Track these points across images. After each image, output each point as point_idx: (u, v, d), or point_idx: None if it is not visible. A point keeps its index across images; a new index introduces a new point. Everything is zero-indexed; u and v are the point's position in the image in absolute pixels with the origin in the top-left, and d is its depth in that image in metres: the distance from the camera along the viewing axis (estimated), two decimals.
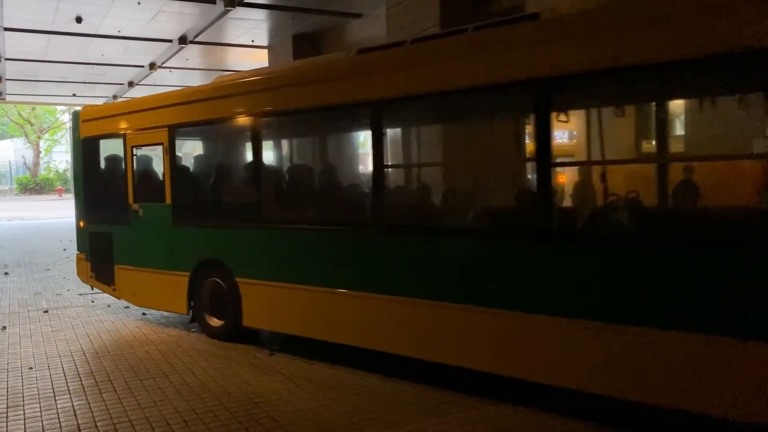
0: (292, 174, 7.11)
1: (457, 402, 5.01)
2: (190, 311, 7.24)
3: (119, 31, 14.89)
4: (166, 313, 8.41)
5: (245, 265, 6.56)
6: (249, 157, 6.75)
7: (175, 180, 7.20)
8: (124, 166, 7.81)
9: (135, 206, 7.66)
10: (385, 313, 5.43)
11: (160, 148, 7.40)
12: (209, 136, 7.94)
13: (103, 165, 8.41)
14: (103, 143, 8.35)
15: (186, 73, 19.82)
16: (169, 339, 7.22)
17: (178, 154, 7.43)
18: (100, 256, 8.24)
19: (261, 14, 13.92)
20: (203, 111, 6.88)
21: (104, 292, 8.63)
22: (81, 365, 6.32)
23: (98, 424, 4.78)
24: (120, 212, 7.81)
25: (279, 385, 5.52)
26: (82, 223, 8.53)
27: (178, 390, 5.45)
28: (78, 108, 9.01)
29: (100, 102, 27.30)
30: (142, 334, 7.51)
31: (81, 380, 5.83)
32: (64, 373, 6.07)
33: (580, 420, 4.58)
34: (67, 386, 5.67)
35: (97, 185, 8.40)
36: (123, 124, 7.83)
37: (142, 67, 19.06)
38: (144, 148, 7.79)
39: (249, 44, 16.30)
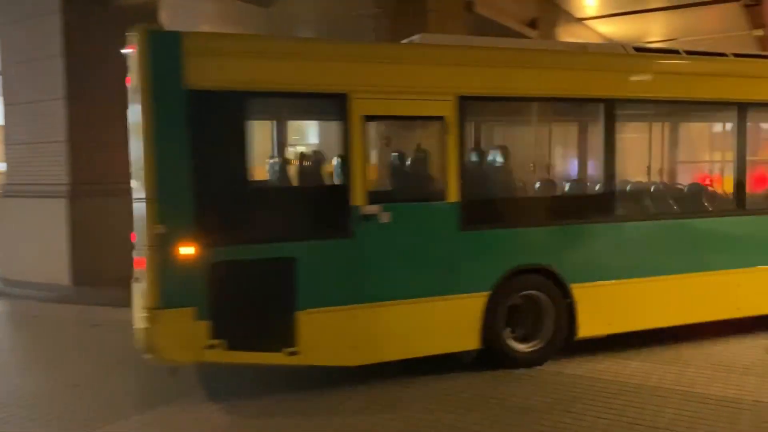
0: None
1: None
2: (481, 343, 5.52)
3: None
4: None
5: (588, 268, 5.86)
6: (609, 146, 6.05)
7: (467, 169, 5.69)
8: (341, 145, 5.19)
9: (371, 209, 5.16)
10: None
11: (420, 123, 5.85)
12: (545, 113, 6.96)
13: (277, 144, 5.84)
14: (255, 102, 5.08)
15: None
16: None
17: (470, 133, 6.08)
18: (254, 303, 4.91)
19: None
20: (556, 82, 5.78)
21: (247, 363, 5.04)
22: None
23: None
24: (321, 222, 5.23)
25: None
26: (182, 250, 4.61)
27: None
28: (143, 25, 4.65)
29: None
30: None
31: None
32: None
33: None
34: None
35: (244, 179, 4.94)
36: (346, 77, 5.09)
37: None
38: (389, 121, 5.88)
39: None
